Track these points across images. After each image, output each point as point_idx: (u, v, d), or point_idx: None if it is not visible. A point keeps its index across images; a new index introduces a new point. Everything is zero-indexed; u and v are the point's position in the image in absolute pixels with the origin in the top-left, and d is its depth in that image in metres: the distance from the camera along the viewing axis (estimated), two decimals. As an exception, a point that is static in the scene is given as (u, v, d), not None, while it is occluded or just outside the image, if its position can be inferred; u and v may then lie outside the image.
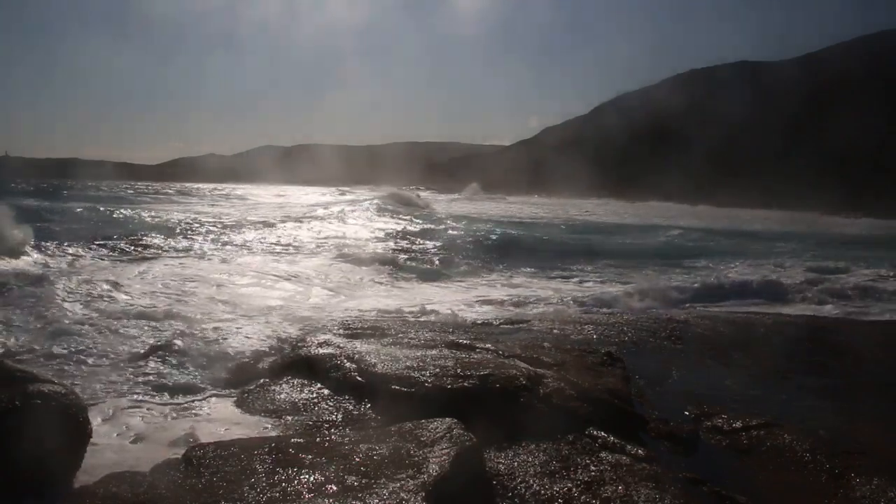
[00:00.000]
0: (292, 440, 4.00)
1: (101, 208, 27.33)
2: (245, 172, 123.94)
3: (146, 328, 7.62)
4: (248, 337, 7.26)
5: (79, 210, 25.91)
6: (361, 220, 28.74)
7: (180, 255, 15.39)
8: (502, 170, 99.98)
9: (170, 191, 61.14)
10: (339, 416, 5.03)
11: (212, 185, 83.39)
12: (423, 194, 52.40)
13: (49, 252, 13.83)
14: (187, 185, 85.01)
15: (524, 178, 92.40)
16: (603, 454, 4.22)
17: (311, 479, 3.42)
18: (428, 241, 20.88)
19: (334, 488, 3.32)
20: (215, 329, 7.59)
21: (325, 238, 20.56)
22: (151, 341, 6.96)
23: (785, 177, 62.48)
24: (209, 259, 14.96)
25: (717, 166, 73.07)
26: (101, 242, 15.81)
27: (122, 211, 27.21)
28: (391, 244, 19.93)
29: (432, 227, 26.37)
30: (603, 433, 4.50)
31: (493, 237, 23.25)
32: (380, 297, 11.42)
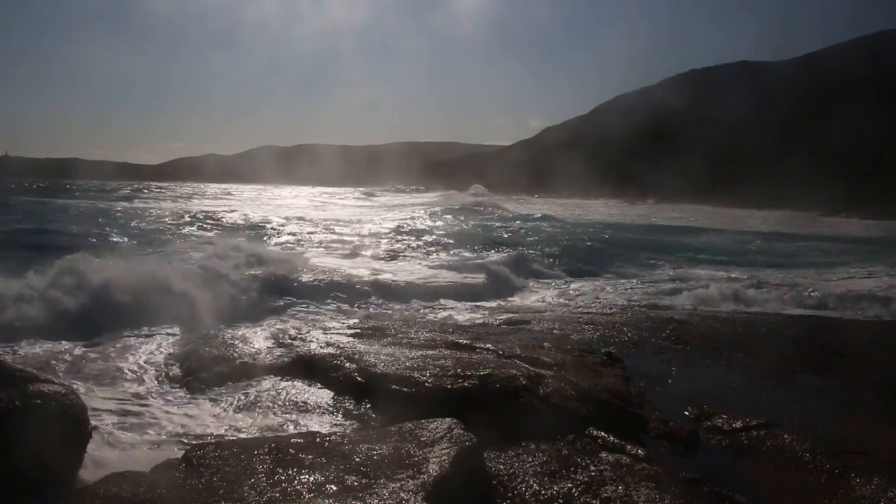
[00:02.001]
0: (292, 440, 4.00)
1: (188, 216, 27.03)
2: (246, 173, 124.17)
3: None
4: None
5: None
6: (460, 222, 29.82)
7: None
8: (503, 170, 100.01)
9: (188, 190, 61.45)
10: (339, 416, 5.02)
11: (224, 186, 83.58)
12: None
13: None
14: (200, 185, 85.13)
15: (525, 179, 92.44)
16: (603, 454, 4.22)
17: (311, 479, 3.42)
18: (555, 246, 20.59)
19: (334, 488, 3.32)
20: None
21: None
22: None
23: (785, 177, 62.44)
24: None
25: (717, 166, 73.03)
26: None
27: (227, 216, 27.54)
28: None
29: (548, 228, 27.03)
30: (603, 433, 4.50)
31: (595, 237, 23.40)
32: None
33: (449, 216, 32.57)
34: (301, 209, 38.58)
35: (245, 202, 46.19)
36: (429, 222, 28.88)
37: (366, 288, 11.41)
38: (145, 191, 58.53)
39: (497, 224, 28.96)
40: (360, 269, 13.37)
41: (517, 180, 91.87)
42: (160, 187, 70.07)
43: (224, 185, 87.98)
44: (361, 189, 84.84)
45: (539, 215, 35.23)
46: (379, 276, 12.57)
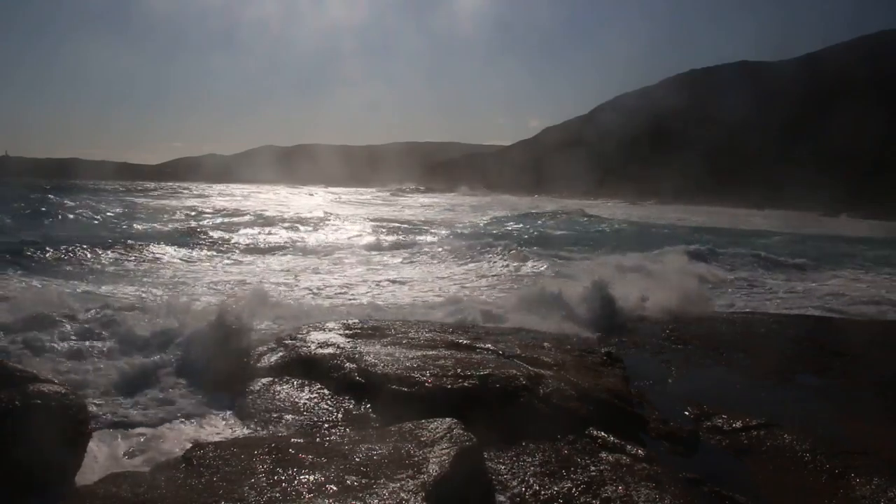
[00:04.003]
0: (292, 440, 4.00)
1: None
2: (246, 173, 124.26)
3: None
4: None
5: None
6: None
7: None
8: (503, 170, 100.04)
9: (210, 192, 62.10)
10: (339, 416, 5.02)
11: (234, 186, 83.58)
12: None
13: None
14: (210, 186, 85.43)
15: (525, 179, 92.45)
16: (603, 454, 4.22)
17: (311, 479, 3.42)
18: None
19: (334, 488, 3.32)
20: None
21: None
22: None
23: (785, 177, 62.44)
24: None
25: (717, 167, 73.05)
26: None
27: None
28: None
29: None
30: (603, 433, 4.50)
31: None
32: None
33: (539, 220, 33.33)
34: (369, 212, 38.94)
35: (287, 205, 45.67)
36: (534, 228, 29.32)
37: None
38: (156, 190, 59.47)
39: (596, 227, 30.25)
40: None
41: (517, 180, 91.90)
42: (184, 188, 70.69)
43: (233, 186, 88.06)
44: (373, 189, 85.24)
45: (586, 218, 36.10)
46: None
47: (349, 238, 22.19)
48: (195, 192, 59.63)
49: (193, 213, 30.23)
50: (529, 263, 15.91)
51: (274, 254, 17.50)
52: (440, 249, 18.62)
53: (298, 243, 19.92)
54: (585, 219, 35.79)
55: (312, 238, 21.91)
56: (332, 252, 18.11)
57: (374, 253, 18.35)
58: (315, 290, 11.79)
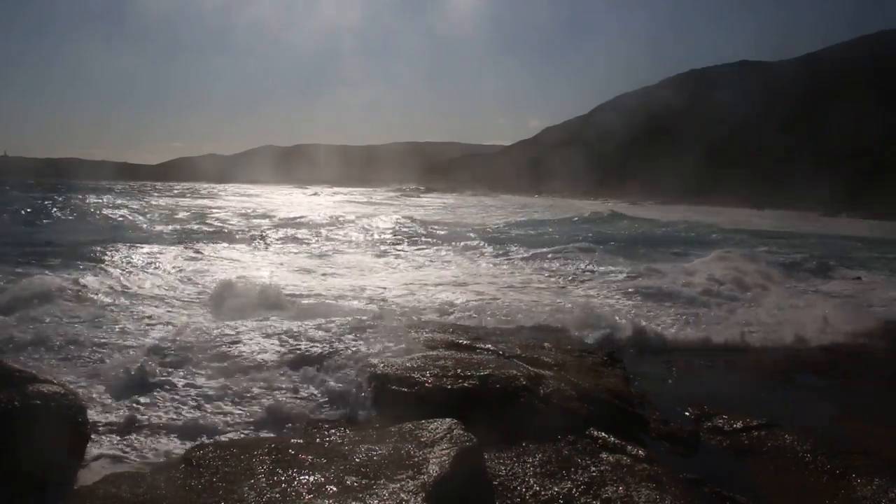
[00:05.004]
0: (292, 440, 4.00)
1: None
2: (246, 173, 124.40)
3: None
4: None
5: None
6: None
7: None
8: (503, 170, 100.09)
9: (222, 192, 62.04)
10: (340, 416, 5.01)
11: (243, 187, 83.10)
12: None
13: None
14: (217, 186, 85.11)
15: (525, 179, 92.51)
16: (603, 454, 4.21)
17: (311, 479, 3.42)
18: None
19: (334, 488, 3.31)
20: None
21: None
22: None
23: (785, 176, 62.44)
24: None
25: (717, 166, 73.02)
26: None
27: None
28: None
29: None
30: (603, 433, 4.49)
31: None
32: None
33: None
34: (392, 210, 38.13)
35: (302, 204, 44.68)
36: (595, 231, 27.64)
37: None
38: (165, 190, 59.73)
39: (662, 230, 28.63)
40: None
41: (518, 181, 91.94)
42: (188, 188, 70.82)
43: (236, 186, 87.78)
44: (377, 189, 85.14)
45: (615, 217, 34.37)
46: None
47: (402, 239, 20.50)
48: (204, 193, 59.54)
49: (207, 213, 29.98)
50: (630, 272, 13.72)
51: (302, 253, 16.90)
52: (487, 249, 17.68)
53: (326, 241, 19.35)
54: (622, 221, 33.77)
55: (351, 235, 21.30)
56: (387, 253, 17.05)
57: (469, 253, 17.02)
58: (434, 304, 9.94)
